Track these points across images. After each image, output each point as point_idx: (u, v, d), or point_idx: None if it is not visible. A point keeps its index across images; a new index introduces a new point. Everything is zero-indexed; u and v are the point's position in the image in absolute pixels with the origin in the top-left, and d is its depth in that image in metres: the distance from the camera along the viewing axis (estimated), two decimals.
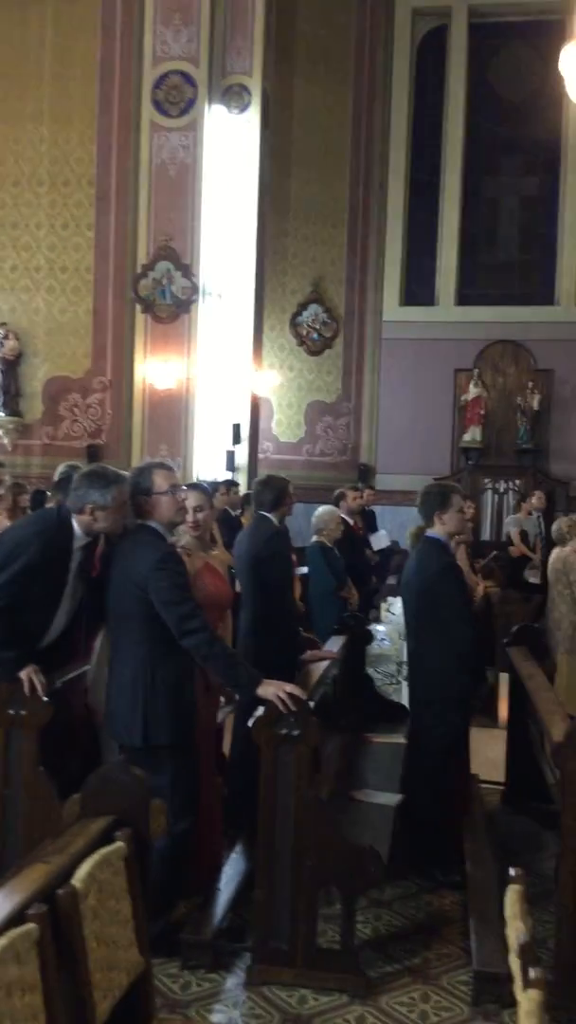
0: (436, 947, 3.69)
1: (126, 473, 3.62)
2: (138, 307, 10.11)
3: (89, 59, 10.49)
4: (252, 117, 11.06)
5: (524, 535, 10.20)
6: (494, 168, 14.08)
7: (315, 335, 13.89)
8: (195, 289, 9.96)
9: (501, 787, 5.33)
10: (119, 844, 2.23)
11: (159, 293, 9.96)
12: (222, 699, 4.05)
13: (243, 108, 10.94)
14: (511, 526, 10.61)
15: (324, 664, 4.48)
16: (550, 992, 3.16)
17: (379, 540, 9.84)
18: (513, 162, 14.05)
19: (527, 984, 1.74)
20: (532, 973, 1.74)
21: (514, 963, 1.89)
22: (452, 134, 13.66)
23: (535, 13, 13.15)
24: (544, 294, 13.65)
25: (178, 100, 9.98)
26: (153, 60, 10.01)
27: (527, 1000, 1.70)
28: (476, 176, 13.93)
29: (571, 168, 13.37)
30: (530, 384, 13.23)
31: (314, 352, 13.93)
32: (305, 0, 13.36)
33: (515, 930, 1.95)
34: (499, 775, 5.37)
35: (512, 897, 2.02)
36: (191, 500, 3.90)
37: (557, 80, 8.01)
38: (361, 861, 3.36)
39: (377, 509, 10.78)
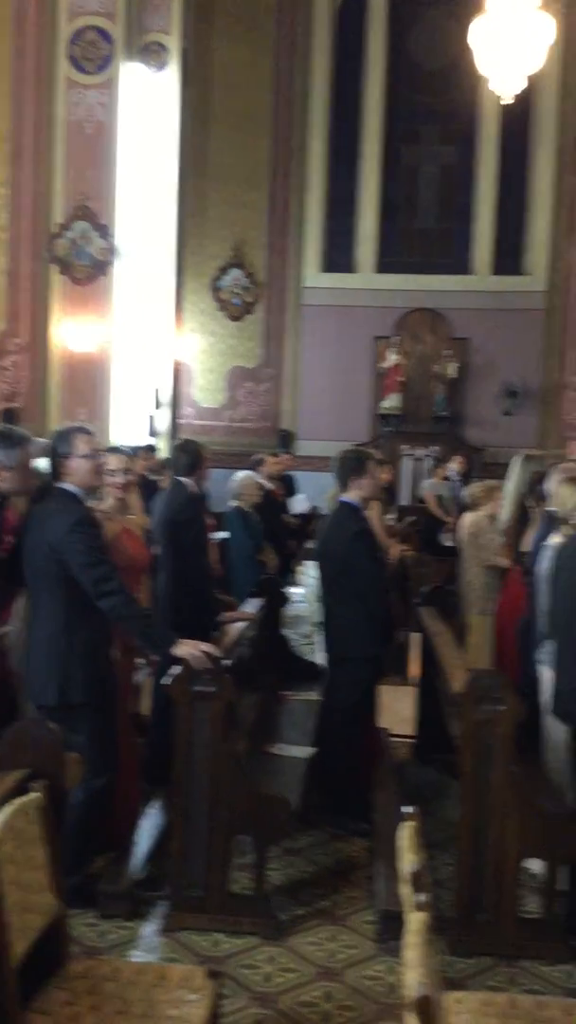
0: (344, 891, 3.89)
1: (42, 440, 3.65)
2: (54, 268, 9.95)
3: (2, 12, 10.18)
4: (171, 76, 10.92)
5: (440, 500, 10.48)
6: (413, 136, 14.17)
7: (236, 300, 13.87)
8: (113, 250, 9.84)
9: (411, 741, 5.55)
10: (35, 795, 2.32)
11: (76, 254, 9.82)
12: (141, 660, 4.14)
13: (161, 66, 10.80)
14: (427, 490, 10.89)
15: (241, 625, 4.60)
16: (451, 926, 3.38)
17: (298, 504, 9.99)
18: (432, 131, 14.17)
19: (415, 908, 1.90)
20: (419, 898, 1.90)
21: (405, 891, 2.05)
22: (371, 101, 13.69)
23: None
24: (461, 263, 13.87)
25: (94, 56, 9.77)
26: (69, 15, 9.77)
27: (414, 921, 1.86)
28: (395, 143, 14.01)
29: (487, 138, 13.55)
30: (447, 352, 13.48)
31: (235, 317, 13.92)
32: None
33: (407, 862, 2.10)
34: (409, 730, 5.59)
35: (406, 832, 2.18)
36: (112, 463, 3.95)
37: (471, 49, 8.13)
38: (273, 811, 3.51)
39: (297, 475, 10.91)
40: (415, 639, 5.98)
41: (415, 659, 5.91)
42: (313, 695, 4.97)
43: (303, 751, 4.25)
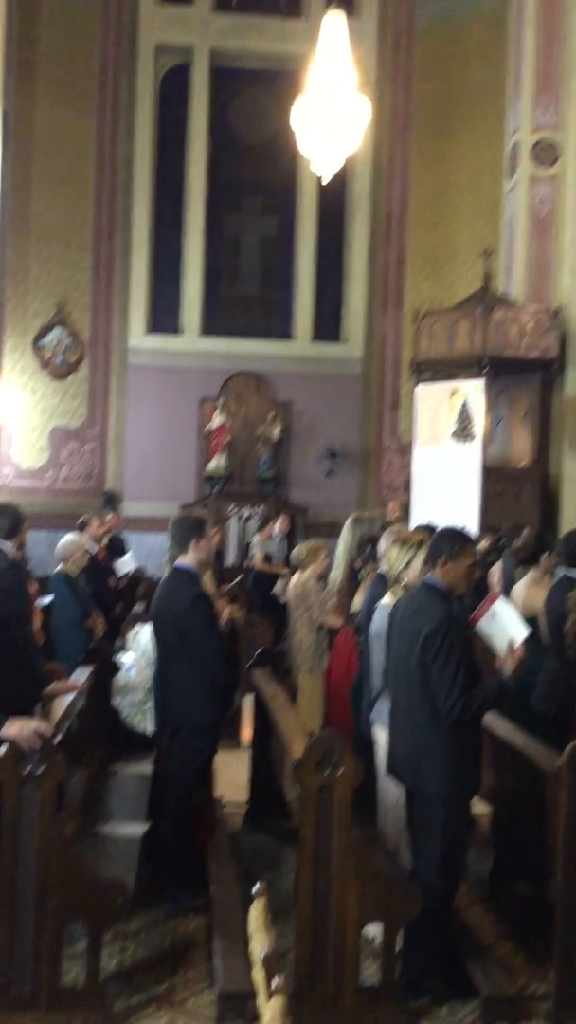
0: (182, 972, 3.74)
1: None
2: None
3: None
4: None
5: (268, 558, 10.61)
6: (236, 206, 14.56)
7: (59, 359, 13.63)
8: None
9: (244, 807, 5.48)
10: None
11: None
12: None
13: None
14: (255, 548, 10.99)
15: (69, 697, 4.41)
16: (291, 1001, 3.30)
17: (124, 566, 9.78)
18: (254, 202, 14.61)
19: (270, 993, 1.83)
20: (274, 982, 1.83)
21: (258, 975, 1.98)
22: (194, 171, 13.98)
23: (273, 62, 13.80)
24: (283, 329, 14.27)
25: None
26: None
27: (270, 1009, 1.79)
28: (219, 212, 14.34)
29: (306, 212, 14.11)
30: (271, 415, 13.75)
31: (59, 376, 13.66)
32: (48, 22, 13.19)
33: (259, 943, 2.03)
34: (242, 796, 5.52)
35: (255, 912, 2.11)
36: None
37: (292, 127, 8.49)
38: (106, 895, 3.34)
39: (124, 535, 10.73)
40: (248, 702, 5.95)
41: (248, 722, 5.87)
42: (145, 767, 4.81)
43: (136, 828, 4.09)
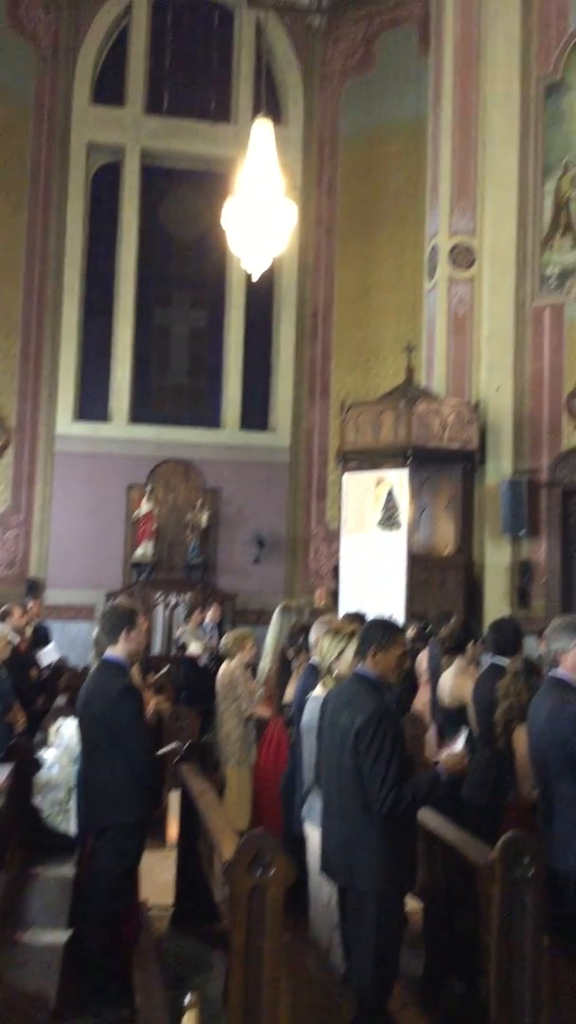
0: None
1: None
2: None
3: None
4: None
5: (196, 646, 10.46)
6: (165, 299, 14.85)
7: None
8: None
9: (170, 910, 5.28)
10: None
11: None
12: None
13: None
14: (186, 637, 10.83)
15: None
16: None
17: (47, 656, 9.55)
18: (184, 295, 14.92)
19: None
20: None
21: None
22: (125, 264, 14.24)
23: (203, 163, 14.30)
24: (212, 417, 14.45)
25: None
26: None
27: None
28: (148, 304, 14.59)
29: (234, 306, 14.46)
30: (199, 501, 13.79)
31: None
32: None
33: None
34: (168, 897, 5.32)
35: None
36: None
37: (222, 225, 8.77)
38: (25, 1009, 3.16)
39: (46, 625, 10.50)
40: (174, 798, 5.79)
41: (174, 820, 5.70)
42: (67, 871, 4.61)
43: (57, 935, 3.89)
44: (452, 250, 11.56)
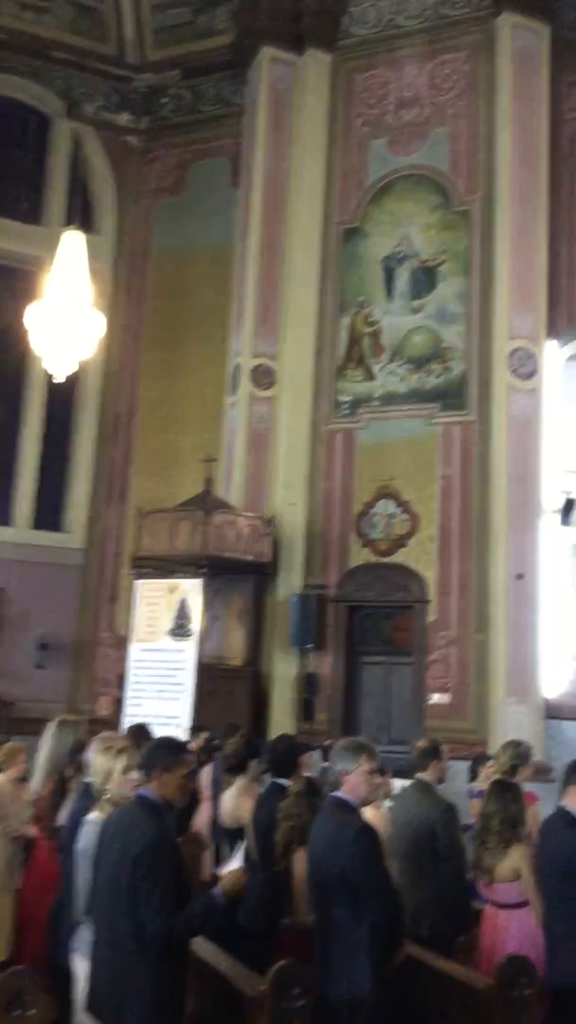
0: None
1: None
2: None
3: None
4: None
5: None
6: None
7: None
8: None
9: None
10: None
11: None
12: None
13: None
14: None
15: None
16: None
17: None
18: None
19: None
20: None
21: None
22: None
23: (9, 260, 14.20)
24: (2, 515, 13.96)
25: None
26: None
27: None
28: None
29: (34, 403, 14.22)
30: None
31: None
32: None
33: None
34: None
35: None
36: None
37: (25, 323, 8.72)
38: None
39: None
40: None
41: None
42: None
43: None
44: (254, 370, 12.06)
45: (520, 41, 11.87)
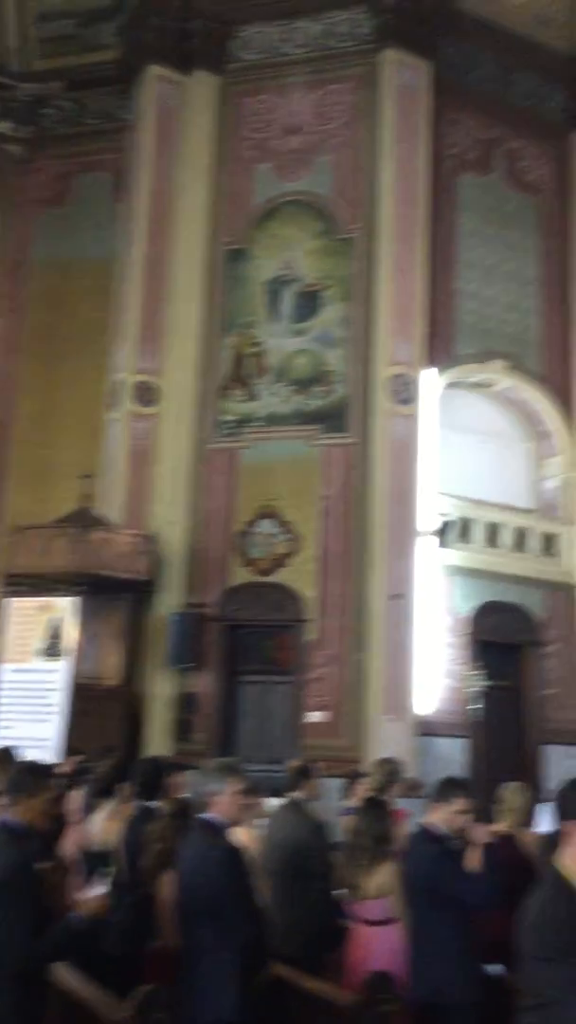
0: None
1: None
2: None
3: None
4: None
5: None
6: None
7: None
8: None
9: None
10: None
11: None
12: None
13: None
14: None
15: None
16: None
17: None
18: None
19: None
20: None
21: None
22: None
23: None
24: None
25: None
26: None
27: None
28: None
29: None
30: None
31: None
32: None
33: None
34: None
35: None
36: None
37: None
38: None
39: None
40: None
41: None
42: None
43: None
44: (136, 387, 11.94)
45: (402, 77, 12.24)
